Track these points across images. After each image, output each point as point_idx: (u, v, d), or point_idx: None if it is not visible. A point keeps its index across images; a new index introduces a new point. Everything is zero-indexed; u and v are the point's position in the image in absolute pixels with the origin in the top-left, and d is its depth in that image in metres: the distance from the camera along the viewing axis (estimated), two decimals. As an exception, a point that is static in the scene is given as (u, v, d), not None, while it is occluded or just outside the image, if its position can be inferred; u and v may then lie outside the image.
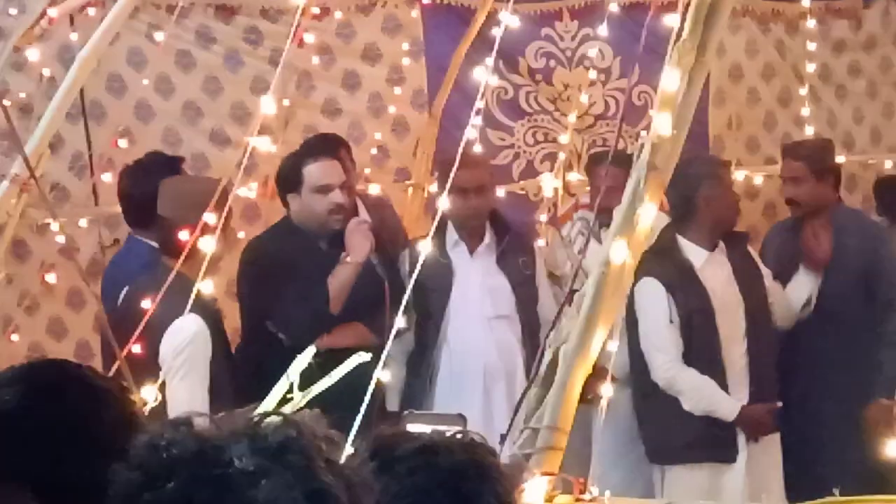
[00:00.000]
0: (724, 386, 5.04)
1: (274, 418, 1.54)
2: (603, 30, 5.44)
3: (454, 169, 3.67)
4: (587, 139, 6.78)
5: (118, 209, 5.46)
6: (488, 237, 5.47)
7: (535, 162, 6.85)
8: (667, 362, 5.02)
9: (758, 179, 6.89)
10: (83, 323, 5.97)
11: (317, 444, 1.53)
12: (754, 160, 7.06)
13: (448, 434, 1.97)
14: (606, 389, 3.14)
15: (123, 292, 4.66)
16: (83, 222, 5.65)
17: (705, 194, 5.11)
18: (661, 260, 4.97)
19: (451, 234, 5.41)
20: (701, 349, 5.04)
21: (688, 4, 3.19)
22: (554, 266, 5.75)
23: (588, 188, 6.14)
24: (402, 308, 3.53)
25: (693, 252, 5.14)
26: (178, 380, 4.30)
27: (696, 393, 5.02)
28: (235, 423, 1.53)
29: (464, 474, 1.88)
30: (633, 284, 4.88)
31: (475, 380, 5.34)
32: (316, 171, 5.14)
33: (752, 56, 7.12)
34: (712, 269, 5.14)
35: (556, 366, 3.11)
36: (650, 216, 3.10)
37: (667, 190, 5.03)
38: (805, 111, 6.41)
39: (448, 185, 3.72)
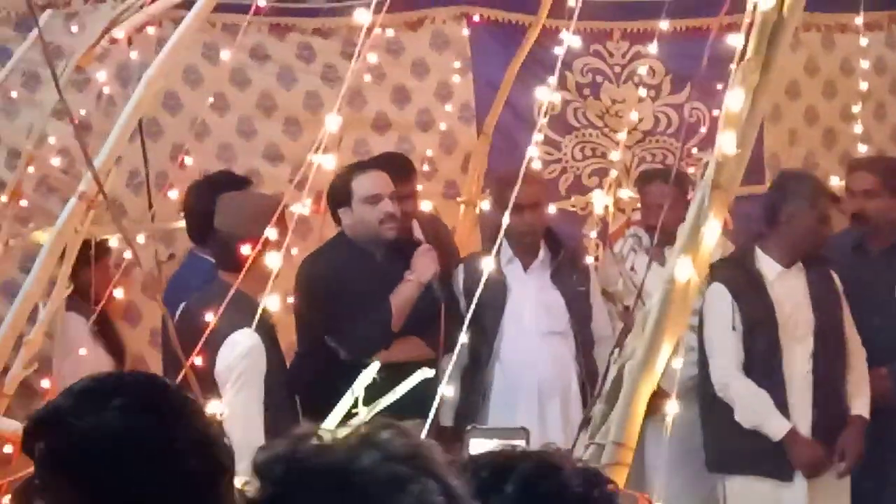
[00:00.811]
0: (783, 402, 5.04)
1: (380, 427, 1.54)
2: (653, 48, 5.47)
3: (516, 186, 3.70)
4: (637, 155, 6.80)
5: (174, 225, 5.53)
6: (542, 253, 5.51)
7: (582, 177, 6.88)
8: (723, 367, 5.06)
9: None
10: (139, 338, 6.04)
11: (435, 450, 1.54)
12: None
13: (545, 450, 1.97)
14: (672, 407, 3.16)
15: (181, 307, 4.72)
16: (140, 238, 5.71)
17: (789, 210, 5.13)
18: (733, 268, 5.05)
19: (506, 251, 5.44)
20: (761, 361, 5.06)
21: (751, 24, 3.21)
22: (606, 283, 5.78)
23: (639, 205, 6.15)
24: (465, 324, 3.57)
25: (767, 265, 5.16)
26: (234, 393, 4.34)
27: (747, 404, 5.04)
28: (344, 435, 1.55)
29: (591, 484, 1.87)
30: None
31: (529, 395, 5.37)
32: (365, 183, 5.21)
33: (812, 74, 7.08)
34: (785, 284, 5.15)
35: (621, 382, 3.14)
36: (714, 234, 3.13)
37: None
38: (858, 128, 6.38)
39: (511, 202, 3.74)
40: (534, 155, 3.58)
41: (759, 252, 5.18)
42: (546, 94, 3.71)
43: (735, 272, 5.08)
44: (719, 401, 5.09)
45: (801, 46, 6.92)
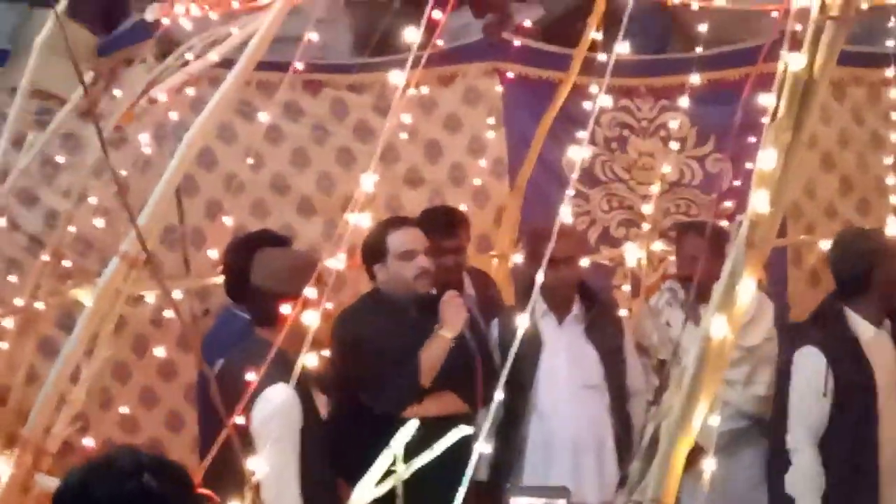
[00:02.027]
0: (874, 468, 4.98)
1: None
2: (682, 101, 5.53)
3: (552, 241, 3.74)
4: (662, 207, 6.85)
5: (210, 281, 5.59)
6: (576, 307, 5.54)
7: (610, 228, 6.94)
8: (800, 435, 4.95)
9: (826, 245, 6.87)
10: (175, 393, 6.10)
11: None
12: (833, 226, 7.08)
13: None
14: (709, 464, 3.18)
15: (218, 364, 4.76)
16: (176, 294, 5.77)
17: (884, 270, 5.05)
18: (825, 331, 4.97)
19: (540, 304, 5.48)
20: (854, 426, 4.97)
21: (782, 83, 3.25)
22: (641, 337, 5.80)
23: (673, 258, 6.19)
24: (502, 379, 3.59)
25: (861, 326, 5.07)
26: (269, 448, 4.36)
27: (802, 479, 4.95)
28: None
29: None
30: (792, 351, 4.98)
31: (564, 450, 5.38)
32: (400, 239, 5.25)
33: (826, 123, 7.16)
34: (878, 345, 5.07)
35: (658, 440, 3.16)
36: (749, 292, 3.16)
37: (834, 263, 5.14)
38: (891, 180, 6.42)
39: (546, 256, 3.78)
40: (566, 211, 3.59)
41: (849, 313, 5.07)
42: (578, 152, 3.74)
43: (828, 335, 4.98)
44: (785, 455, 5.01)
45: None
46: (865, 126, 7.19)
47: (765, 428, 5.80)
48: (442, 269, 5.39)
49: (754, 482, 5.72)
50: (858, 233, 5.41)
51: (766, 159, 3.17)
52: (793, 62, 3.20)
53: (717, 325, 3.11)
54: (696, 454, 4.92)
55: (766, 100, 3.26)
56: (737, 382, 5.69)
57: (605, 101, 3.72)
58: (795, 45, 3.28)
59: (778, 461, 5.08)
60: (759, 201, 3.16)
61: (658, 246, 6.49)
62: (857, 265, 5.03)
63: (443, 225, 5.60)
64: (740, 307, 3.17)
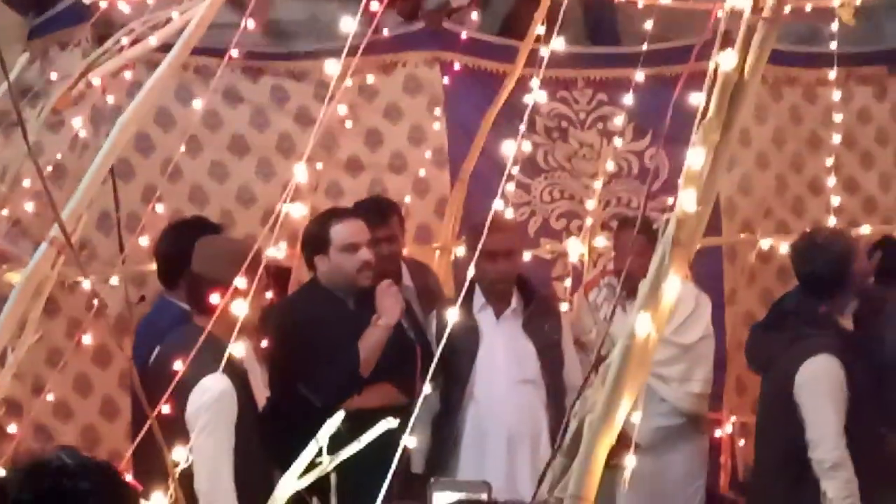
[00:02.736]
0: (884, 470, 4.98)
1: None
2: (629, 99, 5.55)
3: (483, 234, 3.74)
4: (602, 198, 6.88)
5: (145, 267, 5.54)
6: (515, 301, 5.55)
7: (551, 220, 6.96)
8: (839, 445, 4.88)
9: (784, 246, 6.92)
10: (109, 380, 6.05)
11: None
12: (767, 224, 7.13)
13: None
14: (630, 460, 3.20)
15: (155, 352, 4.73)
16: (112, 280, 5.72)
17: (857, 269, 5.10)
18: (828, 336, 4.96)
19: (479, 298, 5.49)
20: (868, 429, 5.00)
21: (713, 82, 3.27)
22: (580, 332, 5.82)
23: (613, 253, 6.21)
24: (430, 373, 3.59)
25: (845, 327, 5.11)
26: (203, 438, 4.34)
27: (848, 492, 4.87)
28: None
29: None
30: (800, 362, 4.90)
31: (499, 443, 5.40)
32: (343, 231, 5.23)
33: (761, 122, 7.20)
34: None
35: (581, 435, 3.17)
36: (675, 290, 3.17)
37: (805, 265, 5.12)
38: (831, 180, 6.46)
39: (478, 250, 3.79)
40: (500, 205, 3.60)
41: (836, 316, 5.10)
42: (513, 146, 3.75)
43: (833, 340, 4.97)
44: (807, 478, 4.94)
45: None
46: (803, 126, 7.25)
47: (697, 424, 5.86)
48: (377, 259, 5.36)
49: (688, 477, 5.78)
50: (832, 233, 5.43)
51: (695, 158, 3.18)
52: (724, 61, 3.22)
53: (642, 323, 3.12)
54: (619, 449, 4.96)
55: (696, 99, 3.27)
56: (673, 380, 5.73)
57: (541, 95, 3.71)
58: (728, 44, 3.30)
59: (802, 476, 4.96)
60: (687, 200, 3.17)
61: (600, 241, 6.51)
62: (835, 266, 5.04)
63: (374, 213, 5.58)
64: (666, 305, 3.19)
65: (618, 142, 6.50)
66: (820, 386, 4.92)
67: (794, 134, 7.24)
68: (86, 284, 5.15)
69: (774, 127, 7.23)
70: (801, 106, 7.24)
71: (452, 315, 3.60)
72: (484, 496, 2.99)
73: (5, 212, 5.34)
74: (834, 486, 4.87)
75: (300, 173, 3.87)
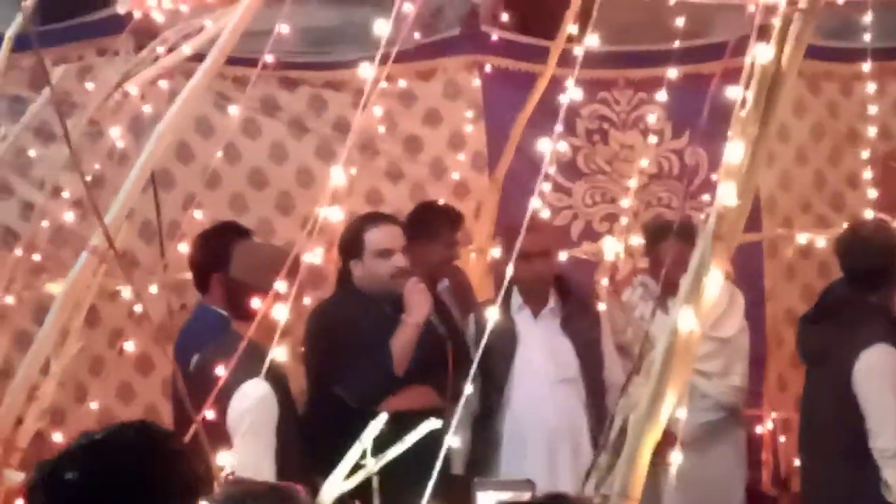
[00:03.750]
0: None
1: None
2: (661, 95, 5.53)
3: (520, 234, 3.74)
4: (643, 199, 6.85)
5: (186, 275, 5.56)
6: (552, 301, 5.55)
7: (593, 222, 6.93)
8: None
9: (821, 241, 6.87)
10: (152, 387, 6.08)
11: None
12: (807, 220, 7.08)
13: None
14: (676, 456, 3.18)
15: (195, 359, 4.74)
16: (152, 289, 5.75)
17: None
18: (883, 326, 4.95)
19: (516, 298, 5.49)
20: None
21: (750, 76, 3.25)
22: (614, 331, 5.79)
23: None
24: (471, 373, 3.59)
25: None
26: (246, 443, 4.36)
27: None
28: None
29: None
30: (857, 352, 4.90)
31: (539, 443, 5.39)
32: (377, 236, 5.24)
33: (800, 117, 7.16)
34: None
35: (626, 433, 3.16)
36: (717, 285, 3.16)
37: (850, 260, 5.12)
38: (867, 174, 6.42)
39: (516, 251, 3.78)
40: (537, 205, 3.59)
41: (888, 308, 5.07)
42: (548, 145, 3.74)
43: (892, 331, 4.95)
44: (868, 464, 4.93)
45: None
46: (840, 120, 7.19)
47: (737, 418, 5.83)
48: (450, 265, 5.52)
49: (731, 470, 5.76)
50: (878, 226, 5.44)
51: (734, 152, 3.17)
52: (760, 55, 3.20)
53: (685, 318, 3.11)
54: (664, 446, 4.92)
55: (733, 93, 3.26)
56: (714, 374, 5.71)
57: (576, 94, 3.70)
58: (764, 38, 3.28)
59: (861, 465, 4.95)
60: (726, 194, 3.16)
61: (636, 240, 6.49)
62: (881, 258, 5.04)
63: (454, 220, 5.72)
64: (708, 299, 3.17)
65: (652, 139, 6.46)
66: (879, 375, 4.93)
67: (832, 129, 7.18)
68: (125, 293, 5.21)
69: (812, 122, 7.18)
70: (838, 100, 7.18)
71: (491, 315, 3.60)
72: (528, 495, 2.98)
73: (45, 222, 5.38)
74: (895, 473, 4.86)
75: (337, 176, 3.88)
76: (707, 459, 5.62)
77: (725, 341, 5.70)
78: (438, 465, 3.32)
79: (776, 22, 3.28)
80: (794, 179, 7.12)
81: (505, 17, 6.66)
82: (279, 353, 3.93)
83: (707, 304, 3.16)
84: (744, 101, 3.21)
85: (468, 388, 3.58)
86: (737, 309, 5.79)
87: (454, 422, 3.36)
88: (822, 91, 7.21)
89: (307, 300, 5.53)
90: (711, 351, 5.63)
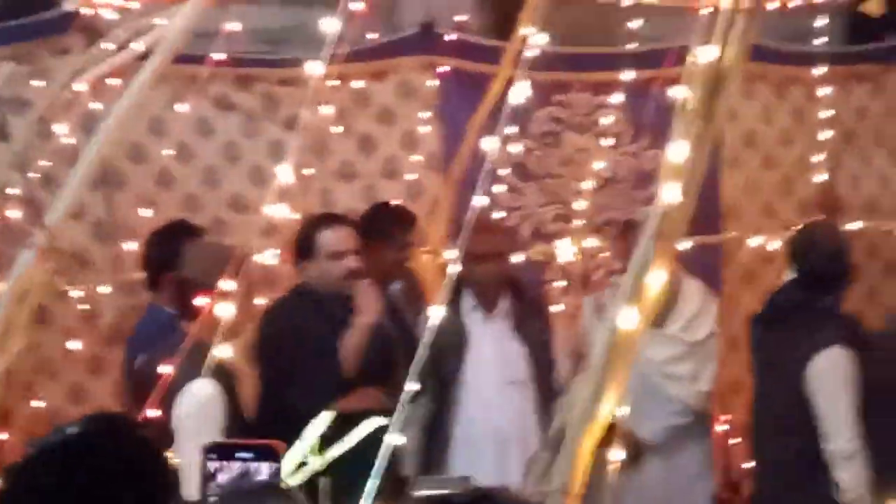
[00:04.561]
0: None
1: None
2: (616, 98, 5.55)
3: (465, 233, 3.74)
4: (599, 202, 6.86)
5: (139, 276, 5.53)
6: (504, 303, 5.54)
7: (544, 224, 6.94)
8: (855, 434, 4.91)
9: (774, 244, 6.90)
10: (103, 388, 6.04)
11: None
12: (772, 225, 7.10)
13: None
14: (618, 454, 3.20)
15: (143, 358, 4.72)
16: (105, 289, 5.73)
17: (853, 262, 5.14)
18: (838, 328, 4.98)
19: (468, 300, 5.49)
20: (874, 420, 4.97)
21: (692, 75, 3.27)
22: (586, 332, 5.75)
23: (607, 253, 6.19)
24: (415, 372, 3.59)
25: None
26: (189, 443, 4.33)
27: (860, 479, 4.90)
28: None
29: None
30: (812, 355, 4.92)
31: (489, 445, 5.38)
32: (329, 238, 5.23)
33: (767, 122, 7.19)
34: None
35: (565, 430, 3.17)
36: (659, 283, 3.17)
37: (809, 262, 5.12)
38: (821, 177, 6.46)
39: (461, 251, 3.78)
40: (483, 204, 3.59)
41: (840, 310, 5.13)
42: (494, 144, 3.74)
43: (842, 331, 4.99)
44: (824, 467, 4.96)
45: (756, 95, 7.04)
46: (806, 125, 7.22)
47: (705, 423, 5.82)
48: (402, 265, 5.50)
49: (697, 476, 5.74)
50: (829, 229, 5.46)
51: (675, 151, 3.19)
52: (703, 54, 3.22)
53: (626, 316, 3.12)
54: (639, 450, 4.94)
55: (677, 92, 3.28)
56: (682, 378, 5.66)
57: (523, 96, 3.71)
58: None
59: (813, 467, 4.98)
60: (669, 192, 3.17)
61: (591, 242, 6.50)
62: (834, 261, 5.07)
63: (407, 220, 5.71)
64: (650, 298, 3.18)
65: (607, 142, 6.48)
66: (834, 377, 4.95)
67: (799, 134, 7.20)
68: (75, 293, 5.19)
69: (780, 127, 7.20)
70: (804, 106, 7.19)
71: (438, 313, 3.60)
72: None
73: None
74: (848, 476, 4.90)
75: (285, 174, 3.88)
76: (672, 464, 5.60)
77: (696, 345, 5.65)
78: (382, 464, 3.31)
79: (720, 22, 3.30)
80: (759, 185, 7.14)
81: (464, 17, 6.65)
82: (223, 351, 3.91)
83: (649, 303, 3.17)
84: (686, 102, 3.23)
85: (414, 386, 3.57)
86: (708, 312, 5.76)
87: (394, 420, 3.36)
88: (789, 96, 7.23)
89: (260, 301, 5.53)
90: (680, 354, 5.61)
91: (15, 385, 5.30)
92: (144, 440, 2.28)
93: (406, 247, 5.78)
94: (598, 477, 3.32)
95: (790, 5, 5.85)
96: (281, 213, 4.01)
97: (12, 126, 5.39)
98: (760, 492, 5.37)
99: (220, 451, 2.66)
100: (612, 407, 3.10)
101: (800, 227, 5.61)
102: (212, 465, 2.61)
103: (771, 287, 6.76)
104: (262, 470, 2.70)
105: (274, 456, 2.70)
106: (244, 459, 2.66)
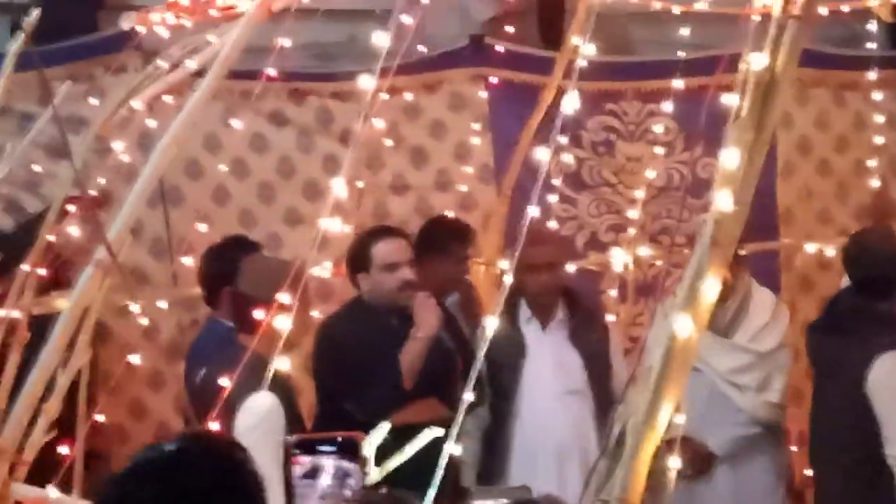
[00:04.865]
0: None
1: None
2: (667, 106, 5.54)
3: (520, 244, 3.75)
4: (651, 211, 6.86)
5: (197, 291, 5.59)
6: (560, 313, 5.56)
7: (599, 233, 6.94)
8: None
9: (830, 251, 6.87)
10: (163, 403, 6.10)
11: None
12: (827, 232, 7.06)
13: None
14: (675, 461, 3.19)
15: (201, 372, 4.77)
16: (163, 304, 5.79)
17: None
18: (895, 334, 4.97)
19: (524, 311, 5.51)
20: None
21: (745, 83, 3.26)
22: (654, 341, 5.73)
23: (660, 262, 6.18)
24: (471, 383, 3.60)
25: None
26: (253, 456, 4.36)
27: None
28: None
29: None
30: (871, 360, 4.93)
31: (548, 456, 5.40)
32: (384, 250, 5.27)
33: (823, 129, 7.15)
34: None
35: (625, 439, 3.16)
36: (714, 291, 3.16)
37: (858, 268, 5.15)
38: (874, 182, 6.43)
39: (514, 262, 3.80)
40: (536, 215, 3.60)
41: None
42: (546, 154, 3.75)
43: None
44: (886, 473, 4.95)
45: (811, 101, 7.00)
46: (866, 131, 7.17)
47: (776, 434, 5.78)
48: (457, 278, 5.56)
49: (767, 489, 5.70)
50: (883, 234, 5.44)
51: (729, 158, 3.18)
52: (754, 62, 3.22)
53: (682, 324, 3.11)
54: (707, 460, 4.90)
55: (729, 100, 3.27)
56: (749, 388, 5.63)
57: (573, 106, 3.72)
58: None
59: (875, 473, 4.98)
60: (723, 200, 3.17)
61: (644, 251, 6.49)
62: (888, 266, 5.06)
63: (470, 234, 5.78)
64: (705, 306, 3.18)
65: (659, 150, 6.47)
66: (893, 382, 4.93)
67: (856, 140, 7.15)
68: (134, 308, 5.24)
69: (836, 134, 7.16)
70: (864, 111, 7.14)
71: (494, 324, 3.61)
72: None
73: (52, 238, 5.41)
74: None
75: (339, 188, 3.91)
76: (741, 475, 5.58)
77: (763, 355, 5.61)
78: (440, 474, 3.33)
79: (770, 29, 3.29)
80: (814, 191, 7.10)
81: (511, 29, 6.68)
82: (282, 364, 3.94)
83: (704, 310, 3.17)
84: (739, 109, 3.23)
85: (470, 397, 3.59)
86: (779, 324, 5.72)
87: (454, 431, 3.38)
88: (848, 101, 7.18)
89: (315, 314, 5.56)
90: (747, 364, 5.58)
91: (77, 401, 5.37)
92: (241, 460, 2.31)
93: (464, 260, 5.81)
94: (658, 486, 3.32)
95: (843, 8, 5.81)
96: (335, 226, 4.04)
97: (70, 144, 5.46)
98: (823, 500, 5.34)
99: (304, 446, 2.68)
100: (669, 415, 3.10)
101: (854, 233, 5.60)
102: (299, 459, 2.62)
103: (828, 294, 6.77)
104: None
105: (354, 449, 2.71)
106: (325, 453, 2.67)
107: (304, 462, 3.06)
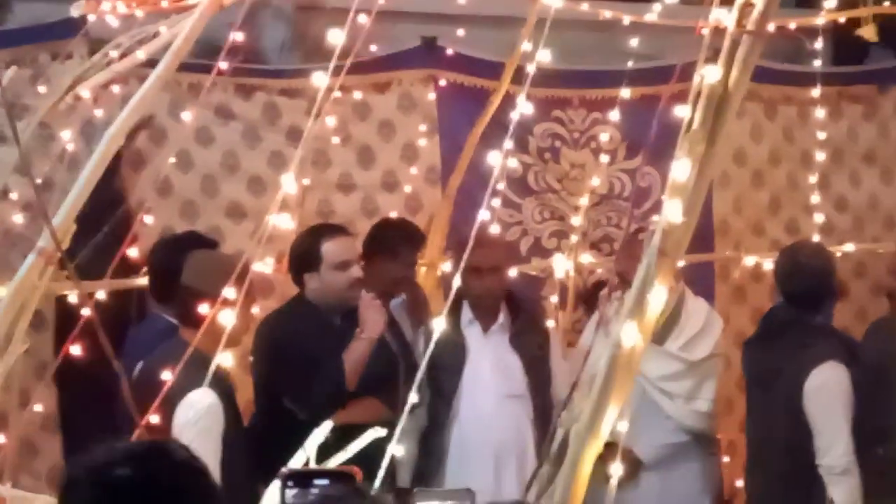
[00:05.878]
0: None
1: None
2: (614, 115, 5.58)
3: (468, 248, 3.77)
4: (593, 218, 6.89)
5: (135, 282, 5.54)
6: (502, 316, 5.58)
7: (542, 239, 6.96)
8: (849, 449, 4.97)
9: (769, 264, 6.93)
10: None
11: None
12: (760, 243, 7.14)
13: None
14: (616, 468, 3.21)
15: (139, 365, 4.73)
16: (101, 295, 5.73)
17: (839, 279, 5.26)
18: (831, 344, 5.06)
19: (466, 313, 5.52)
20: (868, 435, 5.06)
21: (698, 95, 3.29)
22: (586, 346, 5.75)
23: (600, 270, 6.21)
24: (415, 384, 3.60)
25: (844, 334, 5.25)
26: (190, 451, 4.33)
27: (856, 494, 4.97)
28: None
29: None
30: (808, 370, 4.99)
31: (486, 458, 5.40)
32: (334, 249, 5.23)
33: (757, 141, 7.23)
34: None
35: (567, 445, 3.18)
36: (660, 300, 3.19)
37: (789, 284, 5.19)
38: (814, 198, 6.51)
39: (462, 264, 3.81)
40: (485, 218, 3.61)
41: (832, 326, 5.24)
42: (497, 159, 3.77)
43: (838, 348, 5.08)
44: (818, 483, 5.02)
45: (747, 114, 7.08)
46: (796, 145, 7.27)
47: (705, 443, 5.81)
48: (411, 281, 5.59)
49: (693, 497, 5.73)
50: (814, 250, 5.52)
51: (680, 170, 3.21)
52: (708, 75, 3.25)
53: (628, 332, 3.14)
54: (633, 466, 4.94)
55: (681, 112, 3.30)
56: (678, 396, 5.66)
57: (526, 110, 3.74)
58: (715, 60, 3.33)
59: (808, 483, 5.03)
60: (672, 210, 3.19)
61: (587, 258, 6.52)
62: (819, 281, 5.15)
63: (417, 238, 5.75)
64: (651, 315, 3.20)
65: (603, 158, 6.51)
66: (829, 392, 5.01)
67: (787, 154, 7.25)
68: (73, 298, 5.18)
69: (770, 147, 7.25)
70: (795, 125, 7.26)
71: (439, 326, 3.62)
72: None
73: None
74: (841, 491, 4.95)
75: (288, 184, 3.90)
76: (667, 482, 5.60)
77: (693, 364, 5.64)
78: (381, 474, 3.32)
79: (724, 43, 3.32)
80: (748, 203, 7.18)
81: (461, 32, 6.68)
82: (224, 360, 3.92)
83: (651, 320, 3.19)
84: (690, 121, 3.25)
85: (413, 398, 3.59)
86: (711, 333, 5.75)
87: (398, 432, 3.38)
88: (780, 115, 7.28)
89: (256, 310, 5.53)
90: (677, 371, 5.61)
91: (12, 390, 5.30)
92: (199, 469, 2.30)
93: (412, 264, 5.80)
94: (597, 492, 3.34)
95: (790, 26, 5.88)
96: (282, 222, 4.02)
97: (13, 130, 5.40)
98: None
99: (297, 479, 2.64)
100: (613, 422, 3.12)
101: (785, 247, 5.66)
102: (290, 493, 2.59)
103: (760, 305, 6.85)
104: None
105: (352, 483, 2.67)
106: (321, 487, 2.63)
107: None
